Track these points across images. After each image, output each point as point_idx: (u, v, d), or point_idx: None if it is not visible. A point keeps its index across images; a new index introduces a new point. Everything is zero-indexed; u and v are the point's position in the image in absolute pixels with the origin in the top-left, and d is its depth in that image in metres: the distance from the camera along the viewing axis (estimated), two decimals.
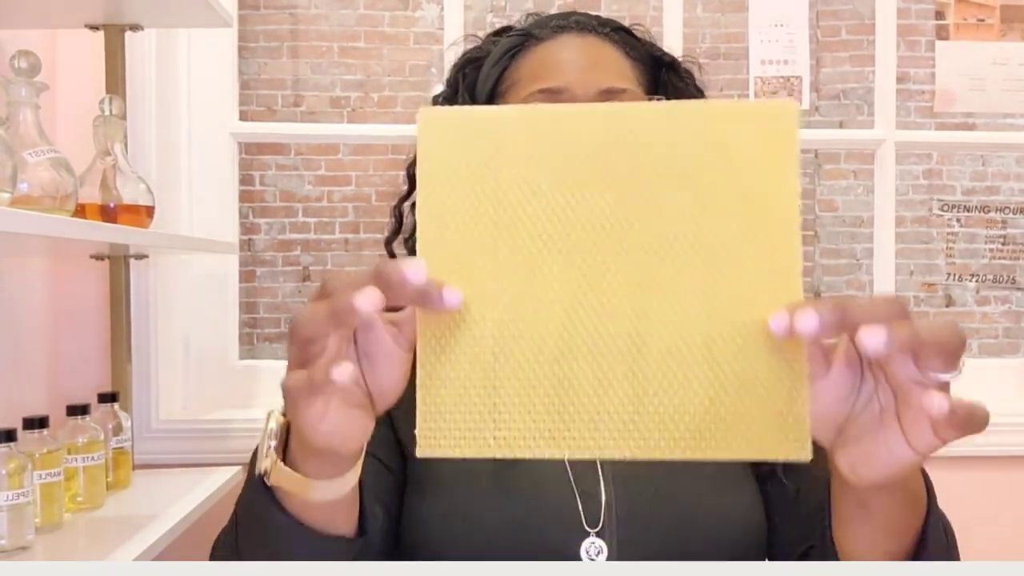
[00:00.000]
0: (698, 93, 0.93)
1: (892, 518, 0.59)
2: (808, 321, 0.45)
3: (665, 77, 0.92)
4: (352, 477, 0.58)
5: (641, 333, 0.49)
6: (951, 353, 0.45)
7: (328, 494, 0.57)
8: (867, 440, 0.50)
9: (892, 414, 0.49)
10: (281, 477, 0.57)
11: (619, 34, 0.90)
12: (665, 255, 0.49)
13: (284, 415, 0.58)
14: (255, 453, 0.61)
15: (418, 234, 0.51)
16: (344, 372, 0.48)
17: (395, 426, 0.81)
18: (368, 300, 0.47)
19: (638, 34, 0.93)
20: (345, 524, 0.62)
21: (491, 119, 0.51)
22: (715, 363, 0.48)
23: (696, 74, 0.94)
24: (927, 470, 0.62)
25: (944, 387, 0.47)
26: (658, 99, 0.86)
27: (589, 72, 0.85)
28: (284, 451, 0.58)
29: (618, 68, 0.87)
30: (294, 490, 0.57)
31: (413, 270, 0.48)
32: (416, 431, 0.51)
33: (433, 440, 0.51)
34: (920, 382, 0.47)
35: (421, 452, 0.51)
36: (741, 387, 0.48)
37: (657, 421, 0.49)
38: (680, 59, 0.94)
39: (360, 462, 0.58)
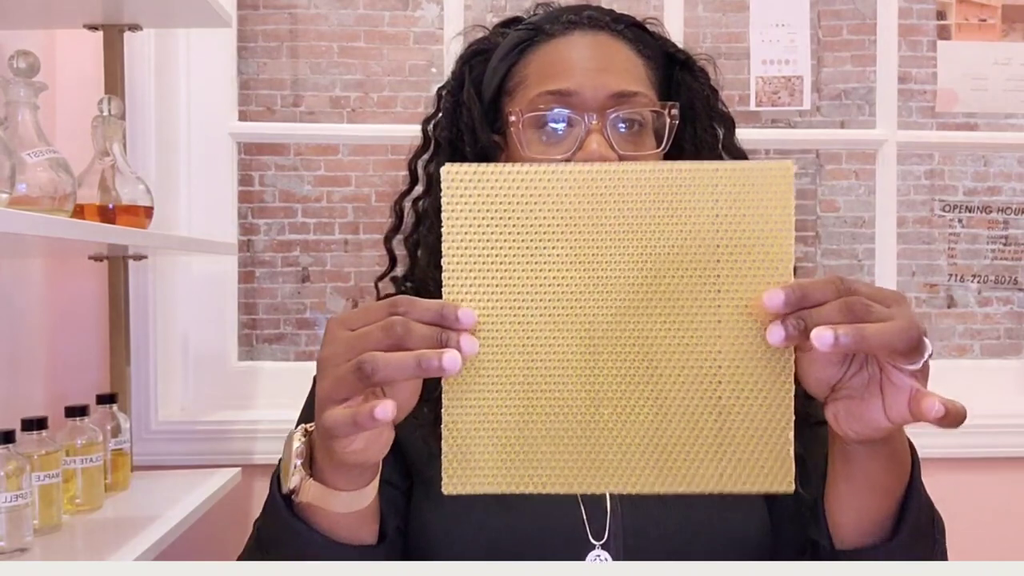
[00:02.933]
0: (712, 93, 0.89)
1: (873, 475, 0.63)
2: (774, 297, 0.53)
3: (679, 76, 0.88)
4: (373, 488, 0.63)
5: (659, 376, 0.54)
6: (906, 352, 0.53)
7: (353, 505, 0.62)
8: (854, 401, 0.58)
9: (877, 385, 0.57)
10: (310, 493, 0.61)
11: (632, 31, 0.86)
12: (682, 299, 0.54)
13: (306, 434, 0.63)
14: (275, 476, 0.66)
15: (444, 288, 0.55)
16: (387, 412, 0.52)
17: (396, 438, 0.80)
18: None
19: (652, 30, 0.89)
20: (368, 533, 0.67)
21: (511, 177, 0.55)
22: (720, 402, 0.54)
23: (711, 73, 0.90)
24: (914, 443, 0.67)
25: (922, 372, 0.55)
26: (672, 106, 0.82)
27: (600, 74, 0.80)
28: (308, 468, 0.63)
29: (630, 69, 0.83)
30: (322, 504, 0.61)
31: (464, 316, 0.53)
32: (444, 468, 0.54)
33: (464, 477, 0.54)
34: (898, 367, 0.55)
35: (449, 489, 0.54)
36: (743, 424, 0.54)
37: (677, 455, 0.54)
38: (695, 56, 0.90)
39: (379, 472, 0.63)
